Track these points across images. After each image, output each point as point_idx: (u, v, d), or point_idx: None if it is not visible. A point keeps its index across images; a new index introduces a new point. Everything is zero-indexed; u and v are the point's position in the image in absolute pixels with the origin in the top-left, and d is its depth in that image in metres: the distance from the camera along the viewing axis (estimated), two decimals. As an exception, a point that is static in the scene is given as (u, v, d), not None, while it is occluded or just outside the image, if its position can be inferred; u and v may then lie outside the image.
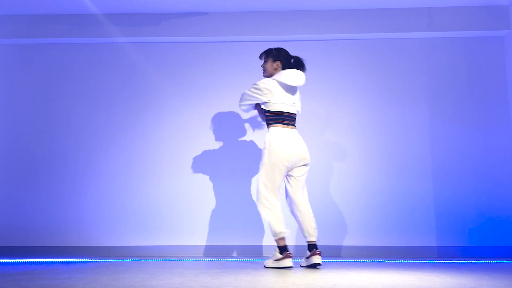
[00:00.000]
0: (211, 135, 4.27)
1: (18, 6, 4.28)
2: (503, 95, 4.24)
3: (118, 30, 4.38)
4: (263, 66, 3.33)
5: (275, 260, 3.08)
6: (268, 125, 3.22)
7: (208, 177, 4.19)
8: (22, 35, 4.40)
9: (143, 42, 4.42)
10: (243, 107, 3.38)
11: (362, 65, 4.35)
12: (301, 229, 3.20)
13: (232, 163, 4.20)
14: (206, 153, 4.23)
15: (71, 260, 3.75)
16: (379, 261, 3.63)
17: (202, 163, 4.21)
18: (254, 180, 4.12)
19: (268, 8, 4.34)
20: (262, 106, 3.23)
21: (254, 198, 4.05)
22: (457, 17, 4.29)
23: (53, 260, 3.79)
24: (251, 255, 4.05)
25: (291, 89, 3.22)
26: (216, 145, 4.26)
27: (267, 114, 3.22)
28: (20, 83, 4.42)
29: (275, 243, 3.13)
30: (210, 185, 4.18)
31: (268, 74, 3.29)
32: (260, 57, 3.36)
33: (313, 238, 3.15)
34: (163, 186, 4.21)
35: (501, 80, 4.26)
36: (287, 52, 3.32)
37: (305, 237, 3.18)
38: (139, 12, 4.38)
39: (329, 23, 4.34)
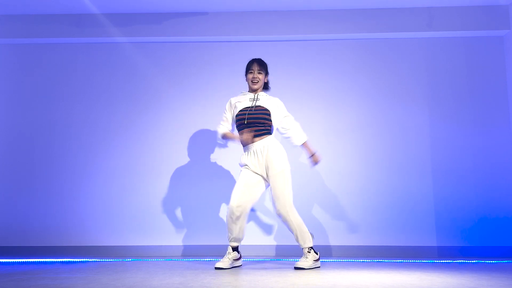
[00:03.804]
0: (211, 135, 4.27)
1: (18, 6, 4.28)
2: (503, 95, 4.24)
3: (118, 30, 4.38)
4: (257, 77, 3.29)
5: (315, 260, 3.12)
6: (269, 133, 3.24)
7: (208, 176, 4.19)
8: (22, 35, 4.40)
9: (143, 42, 4.43)
10: None
11: (362, 65, 4.35)
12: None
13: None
14: (206, 153, 4.24)
15: (71, 260, 3.75)
16: (379, 261, 3.64)
17: (202, 162, 4.21)
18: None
19: (268, 8, 4.34)
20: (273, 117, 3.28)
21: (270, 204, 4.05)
22: (457, 17, 4.29)
23: (53, 260, 3.80)
24: (251, 255, 4.05)
25: None
26: (217, 144, 4.26)
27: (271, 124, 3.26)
28: (20, 83, 4.42)
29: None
30: (210, 184, 4.18)
31: (259, 86, 3.31)
32: (254, 64, 3.32)
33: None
34: (163, 185, 4.21)
35: (501, 80, 4.26)
36: None
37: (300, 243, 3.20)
38: (139, 12, 4.38)
39: (329, 23, 4.34)
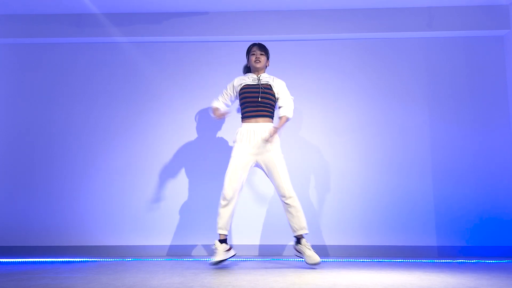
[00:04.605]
0: (211, 135, 4.27)
1: (18, 6, 4.28)
2: (503, 95, 4.24)
3: (118, 30, 4.38)
4: (259, 57, 3.39)
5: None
6: (272, 118, 3.37)
7: (208, 176, 4.19)
8: (22, 35, 4.40)
9: (143, 42, 4.43)
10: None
11: (362, 64, 4.35)
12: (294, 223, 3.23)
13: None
14: (206, 152, 4.23)
15: (71, 260, 3.75)
16: (379, 261, 3.64)
17: (202, 162, 4.21)
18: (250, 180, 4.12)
19: (268, 7, 4.34)
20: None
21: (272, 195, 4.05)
22: (457, 17, 4.29)
23: (53, 260, 3.79)
24: (251, 254, 4.05)
25: None
26: (216, 144, 4.26)
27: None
28: (20, 83, 4.42)
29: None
30: (210, 184, 4.18)
31: (262, 66, 3.40)
32: (255, 46, 3.43)
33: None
34: (162, 185, 4.21)
35: (501, 80, 4.26)
36: None
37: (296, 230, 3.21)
38: (139, 12, 4.38)
39: (329, 23, 4.34)
